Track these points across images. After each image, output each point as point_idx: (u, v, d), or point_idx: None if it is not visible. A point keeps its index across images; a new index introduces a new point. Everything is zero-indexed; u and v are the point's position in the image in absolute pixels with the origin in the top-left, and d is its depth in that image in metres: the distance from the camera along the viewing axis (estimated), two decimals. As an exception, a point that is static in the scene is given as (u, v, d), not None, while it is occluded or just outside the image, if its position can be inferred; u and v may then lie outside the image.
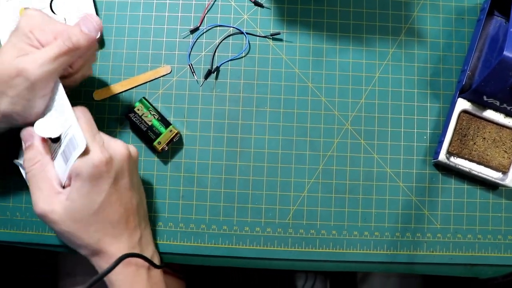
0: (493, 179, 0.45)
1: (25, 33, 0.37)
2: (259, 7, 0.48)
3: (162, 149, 0.45)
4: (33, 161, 0.38)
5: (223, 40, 0.48)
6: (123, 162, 0.38)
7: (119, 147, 0.39)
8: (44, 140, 0.39)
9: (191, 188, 0.46)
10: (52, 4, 0.48)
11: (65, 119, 0.38)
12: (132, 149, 0.40)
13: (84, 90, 0.47)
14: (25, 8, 0.47)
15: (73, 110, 0.38)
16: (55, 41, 0.37)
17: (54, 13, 0.48)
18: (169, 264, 0.48)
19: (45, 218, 0.37)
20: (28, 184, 0.38)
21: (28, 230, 0.46)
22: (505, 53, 0.40)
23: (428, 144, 0.47)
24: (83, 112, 0.39)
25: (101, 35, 0.47)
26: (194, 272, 0.61)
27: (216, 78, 0.47)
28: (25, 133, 0.39)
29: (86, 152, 0.36)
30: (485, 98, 0.44)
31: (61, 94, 0.38)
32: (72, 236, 0.37)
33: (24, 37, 0.37)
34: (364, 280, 0.70)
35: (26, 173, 0.38)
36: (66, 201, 0.36)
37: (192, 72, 0.47)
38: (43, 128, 0.38)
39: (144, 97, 0.46)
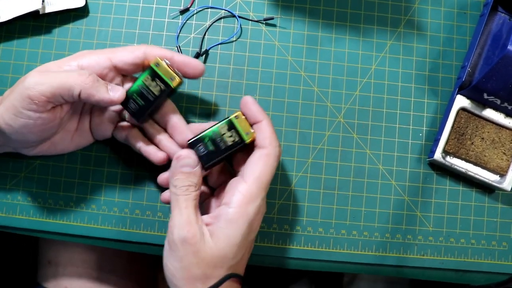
0: (489, 182, 0.43)
1: None
2: (253, -10, 0.46)
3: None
4: (191, 189, 0.36)
5: (213, 22, 0.46)
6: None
7: None
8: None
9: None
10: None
11: None
12: None
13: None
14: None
15: None
16: None
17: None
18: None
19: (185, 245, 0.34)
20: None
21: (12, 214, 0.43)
22: (510, 47, 0.38)
23: (423, 142, 0.45)
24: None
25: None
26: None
27: (205, 62, 0.45)
28: (191, 156, 0.37)
29: None
30: (485, 95, 0.42)
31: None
32: None
33: None
34: (351, 284, 0.68)
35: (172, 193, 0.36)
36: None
37: (180, 55, 0.45)
38: None
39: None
